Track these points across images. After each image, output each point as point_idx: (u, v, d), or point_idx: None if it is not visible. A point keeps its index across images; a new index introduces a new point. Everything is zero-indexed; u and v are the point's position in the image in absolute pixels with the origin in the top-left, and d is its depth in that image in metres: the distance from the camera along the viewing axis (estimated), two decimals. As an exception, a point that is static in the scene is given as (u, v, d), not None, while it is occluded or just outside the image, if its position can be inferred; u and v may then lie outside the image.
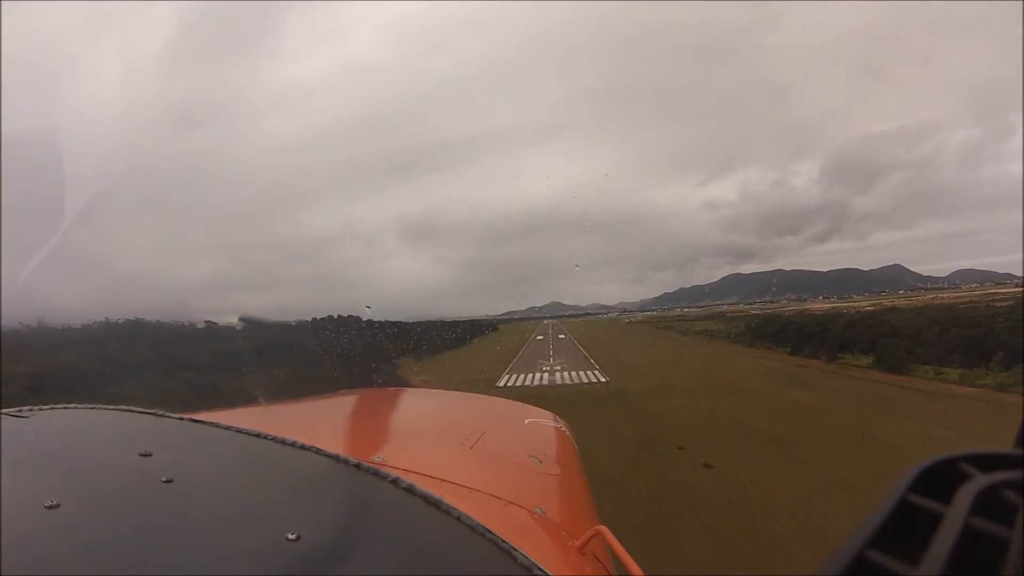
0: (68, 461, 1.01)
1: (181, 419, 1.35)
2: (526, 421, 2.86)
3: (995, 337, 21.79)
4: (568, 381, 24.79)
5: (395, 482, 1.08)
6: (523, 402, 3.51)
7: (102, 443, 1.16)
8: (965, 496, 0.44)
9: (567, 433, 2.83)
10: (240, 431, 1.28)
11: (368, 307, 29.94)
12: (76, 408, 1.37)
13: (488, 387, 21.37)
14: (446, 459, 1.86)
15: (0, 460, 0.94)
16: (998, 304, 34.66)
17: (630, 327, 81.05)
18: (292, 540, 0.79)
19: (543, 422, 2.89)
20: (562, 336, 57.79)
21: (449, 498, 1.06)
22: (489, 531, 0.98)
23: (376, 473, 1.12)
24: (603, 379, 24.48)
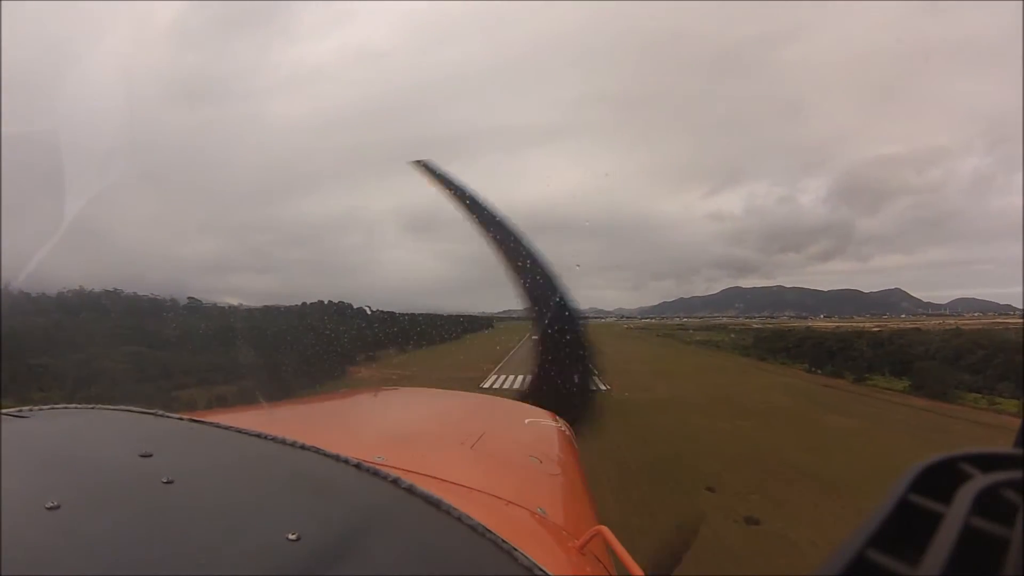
0: (68, 461, 1.00)
1: (181, 419, 1.33)
2: (526, 421, 2.84)
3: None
4: (564, 386, 21.49)
5: (395, 482, 1.06)
6: None
7: (102, 443, 1.16)
8: (965, 496, 0.44)
9: (567, 433, 2.79)
10: (240, 431, 1.26)
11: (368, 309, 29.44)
12: (76, 408, 1.35)
13: (471, 388, 17.99)
14: (446, 459, 1.83)
15: (0, 460, 0.91)
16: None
17: (628, 333, 77.62)
18: (292, 540, 0.78)
19: (543, 422, 2.88)
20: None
21: (449, 498, 1.03)
22: (489, 531, 0.96)
23: (376, 473, 1.09)
24: (603, 386, 21.19)
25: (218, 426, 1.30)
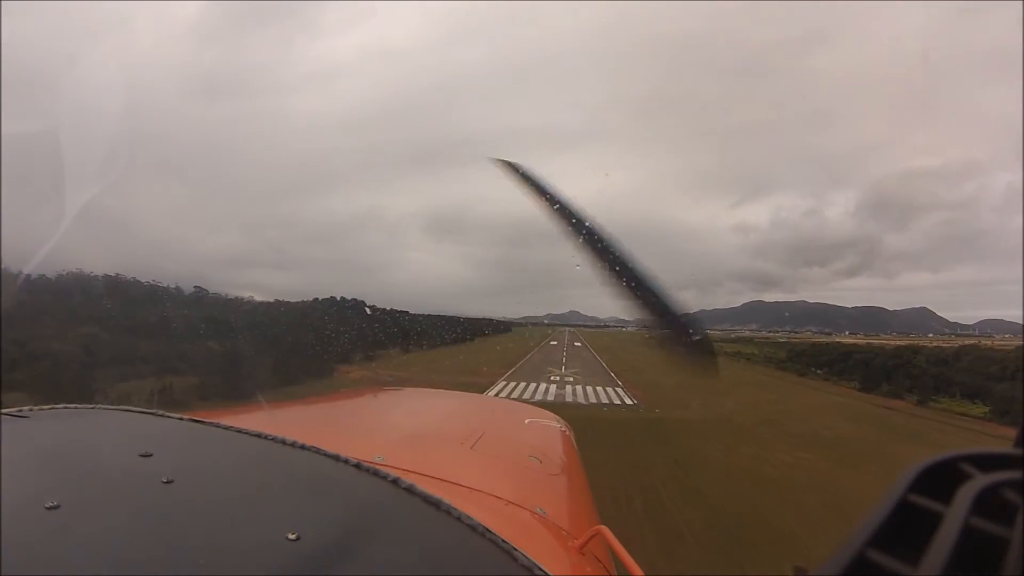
0: (68, 461, 1.00)
1: (181, 419, 1.32)
2: (526, 421, 2.81)
3: None
4: (582, 399, 18.04)
5: (395, 482, 1.05)
6: None
7: (102, 443, 1.15)
8: (965, 496, 0.44)
9: (567, 433, 2.76)
10: (240, 431, 1.25)
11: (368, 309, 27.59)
12: (76, 408, 1.34)
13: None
14: (446, 459, 1.82)
15: (0, 460, 0.90)
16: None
17: (651, 341, 74.08)
18: (292, 540, 0.77)
19: (543, 422, 2.84)
20: (578, 344, 51.37)
21: (449, 498, 1.02)
22: (489, 531, 0.95)
23: (376, 473, 1.08)
24: (629, 401, 17.84)
25: (218, 426, 1.28)
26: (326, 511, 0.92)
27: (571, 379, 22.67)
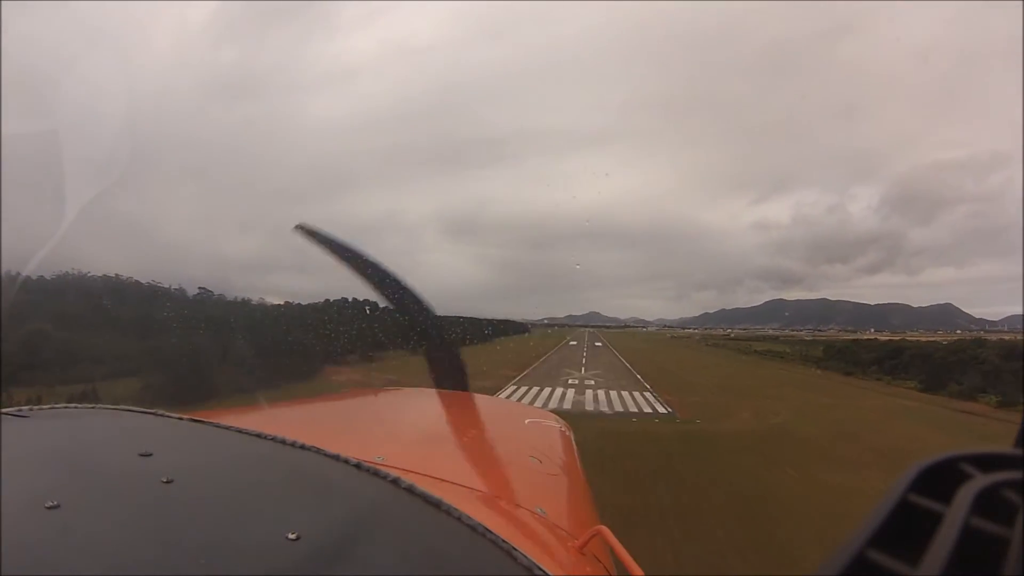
0: (68, 461, 0.97)
1: (181, 419, 1.27)
2: (526, 421, 2.76)
3: None
4: (606, 407, 15.14)
5: (395, 482, 1.02)
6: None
7: (102, 443, 1.11)
8: (965, 496, 0.43)
9: (567, 433, 2.66)
10: (240, 431, 1.20)
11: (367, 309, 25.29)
12: (76, 408, 1.30)
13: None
14: (446, 459, 1.76)
15: (0, 460, 0.89)
16: None
17: (674, 341, 70.24)
18: (292, 540, 0.75)
19: (543, 422, 2.79)
20: (599, 344, 48.33)
21: (449, 498, 1.00)
22: (489, 531, 0.93)
23: (376, 473, 1.05)
24: (662, 409, 14.85)
25: (218, 426, 1.24)
26: (326, 511, 0.90)
27: (591, 382, 19.79)
